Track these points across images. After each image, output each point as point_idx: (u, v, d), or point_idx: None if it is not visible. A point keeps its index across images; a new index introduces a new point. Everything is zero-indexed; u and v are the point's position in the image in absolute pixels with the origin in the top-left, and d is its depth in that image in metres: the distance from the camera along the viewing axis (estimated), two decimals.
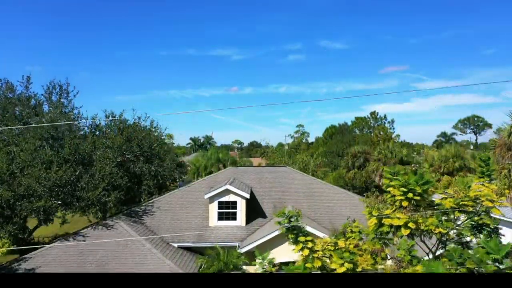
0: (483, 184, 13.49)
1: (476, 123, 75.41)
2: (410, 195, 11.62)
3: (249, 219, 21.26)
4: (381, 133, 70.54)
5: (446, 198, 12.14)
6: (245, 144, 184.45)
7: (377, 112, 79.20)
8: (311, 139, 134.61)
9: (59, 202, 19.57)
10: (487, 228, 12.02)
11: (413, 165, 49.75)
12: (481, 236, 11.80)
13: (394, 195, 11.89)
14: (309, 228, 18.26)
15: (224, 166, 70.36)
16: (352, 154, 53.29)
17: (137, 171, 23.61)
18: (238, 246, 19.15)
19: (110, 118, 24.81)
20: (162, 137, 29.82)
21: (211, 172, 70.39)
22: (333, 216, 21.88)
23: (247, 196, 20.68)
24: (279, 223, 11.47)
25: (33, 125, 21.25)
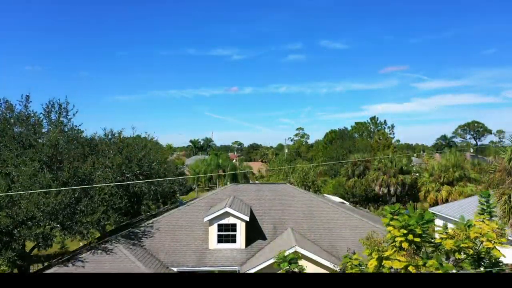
0: (483, 221, 13.44)
1: (476, 129, 75.35)
2: (410, 236, 11.57)
3: (249, 241, 21.22)
4: (381, 138, 70.51)
5: (446, 239, 12.10)
6: (245, 144, 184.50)
7: (377, 117, 79.30)
8: (311, 140, 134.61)
9: (58, 225, 19.53)
10: (488, 261, 12.00)
11: (413, 173, 49.72)
12: (482, 269, 11.77)
13: (395, 236, 11.85)
14: (309, 254, 18.24)
15: (224, 172, 70.41)
16: (352, 162, 53.28)
17: (136, 191, 23.56)
18: (238, 271, 19.12)
19: (110, 137, 24.75)
20: (163, 151, 29.77)
21: (211, 179, 70.42)
22: (333, 237, 21.85)
23: (247, 219, 20.63)
24: (278, 265, 11.44)
25: (32, 146, 21.19)
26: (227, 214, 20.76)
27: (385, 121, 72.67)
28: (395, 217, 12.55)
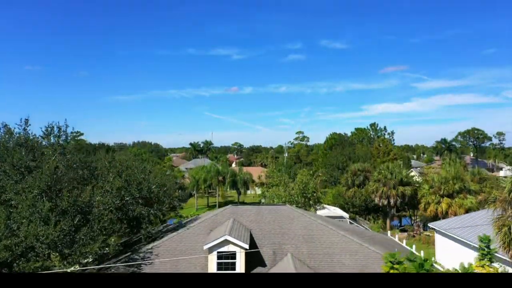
0: (483, 267, 13.41)
1: (476, 136, 75.31)
2: None
3: (249, 268, 21.18)
4: (381, 145, 70.46)
5: None
6: (245, 145, 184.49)
7: (377, 123, 79.25)
8: (312, 142, 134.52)
9: (57, 253, 19.50)
10: None
11: (413, 185, 49.65)
12: None
13: None
14: None
15: (224, 179, 70.42)
16: (352, 171, 53.28)
17: (136, 215, 23.52)
18: None
19: (110, 160, 24.72)
20: (163, 163, 29.69)
21: (210, 185, 70.43)
22: (332, 263, 21.84)
23: (246, 246, 20.60)
24: None
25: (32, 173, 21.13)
26: (226, 242, 20.72)
27: (385, 128, 72.61)
28: (395, 266, 12.55)
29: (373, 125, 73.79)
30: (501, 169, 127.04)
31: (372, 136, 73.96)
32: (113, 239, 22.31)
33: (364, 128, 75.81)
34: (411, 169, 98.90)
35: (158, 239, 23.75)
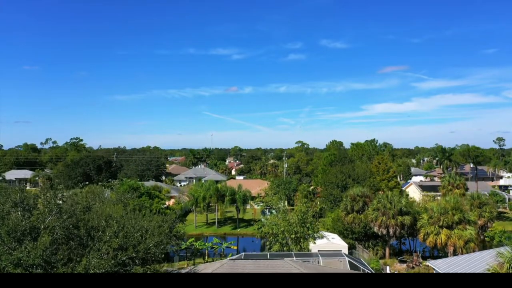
0: None
1: (475, 155, 75.20)
2: None
3: None
4: (380, 163, 70.32)
5: None
6: (245, 146, 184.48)
7: (376, 140, 79.02)
8: (312, 142, 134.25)
9: None
10: None
11: (412, 214, 49.44)
12: None
13: None
14: None
15: (223, 197, 70.25)
16: (351, 197, 53.06)
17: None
18: None
19: (106, 219, 24.52)
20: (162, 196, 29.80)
21: (209, 203, 70.28)
22: None
23: None
24: None
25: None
26: None
27: (384, 144, 72.27)
28: None
29: (372, 141, 73.54)
30: (501, 177, 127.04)
31: (371, 152, 73.74)
32: None
33: (363, 143, 75.53)
34: (410, 181, 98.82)
35: None
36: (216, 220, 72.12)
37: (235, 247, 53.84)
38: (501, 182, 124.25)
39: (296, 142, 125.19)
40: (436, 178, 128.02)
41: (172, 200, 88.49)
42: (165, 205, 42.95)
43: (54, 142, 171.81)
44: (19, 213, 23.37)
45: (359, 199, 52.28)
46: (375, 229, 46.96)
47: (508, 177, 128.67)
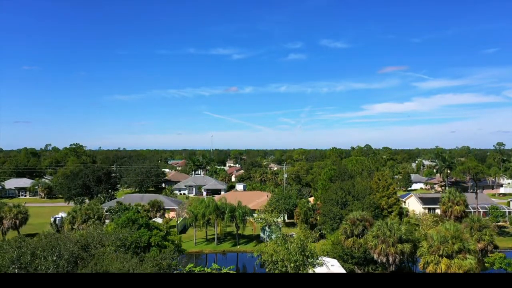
0: None
1: (475, 171, 75.17)
2: None
3: None
4: (380, 179, 70.17)
5: None
6: (245, 146, 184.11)
7: (373, 148, 78.69)
8: (311, 142, 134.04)
9: None
10: None
11: (412, 241, 49.32)
12: None
13: None
14: None
15: (223, 214, 70.17)
16: (351, 220, 52.94)
17: None
18: None
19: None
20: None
21: (208, 220, 70.22)
22: None
23: None
24: None
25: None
26: None
27: (384, 159, 72.06)
28: None
29: (372, 158, 73.30)
30: (501, 185, 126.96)
31: (371, 167, 73.60)
32: None
33: (363, 158, 75.30)
34: (410, 193, 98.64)
35: None
36: (215, 237, 72.04)
37: (234, 272, 53.81)
38: (501, 190, 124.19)
39: (296, 151, 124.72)
40: (436, 186, 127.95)
41: (172, 214, 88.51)
42: (163, 234, 42.74)
43: (54, 148, 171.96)
44: (16, 270, 23.26)
45: (358, 223, 52.16)
46: (375, 256, 46.84)
47: (508, 183, 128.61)
